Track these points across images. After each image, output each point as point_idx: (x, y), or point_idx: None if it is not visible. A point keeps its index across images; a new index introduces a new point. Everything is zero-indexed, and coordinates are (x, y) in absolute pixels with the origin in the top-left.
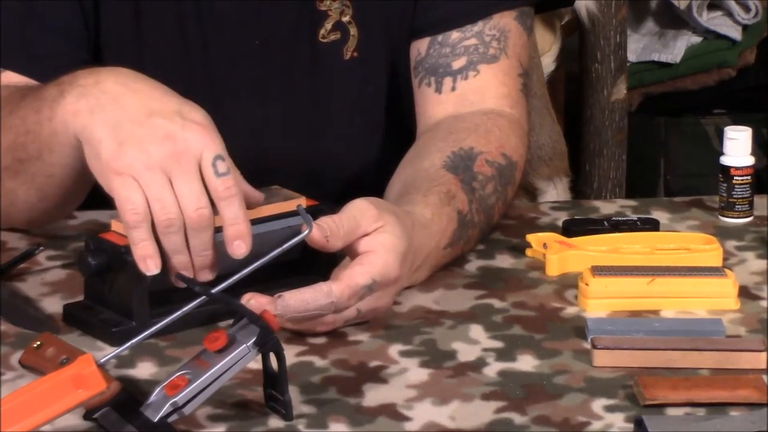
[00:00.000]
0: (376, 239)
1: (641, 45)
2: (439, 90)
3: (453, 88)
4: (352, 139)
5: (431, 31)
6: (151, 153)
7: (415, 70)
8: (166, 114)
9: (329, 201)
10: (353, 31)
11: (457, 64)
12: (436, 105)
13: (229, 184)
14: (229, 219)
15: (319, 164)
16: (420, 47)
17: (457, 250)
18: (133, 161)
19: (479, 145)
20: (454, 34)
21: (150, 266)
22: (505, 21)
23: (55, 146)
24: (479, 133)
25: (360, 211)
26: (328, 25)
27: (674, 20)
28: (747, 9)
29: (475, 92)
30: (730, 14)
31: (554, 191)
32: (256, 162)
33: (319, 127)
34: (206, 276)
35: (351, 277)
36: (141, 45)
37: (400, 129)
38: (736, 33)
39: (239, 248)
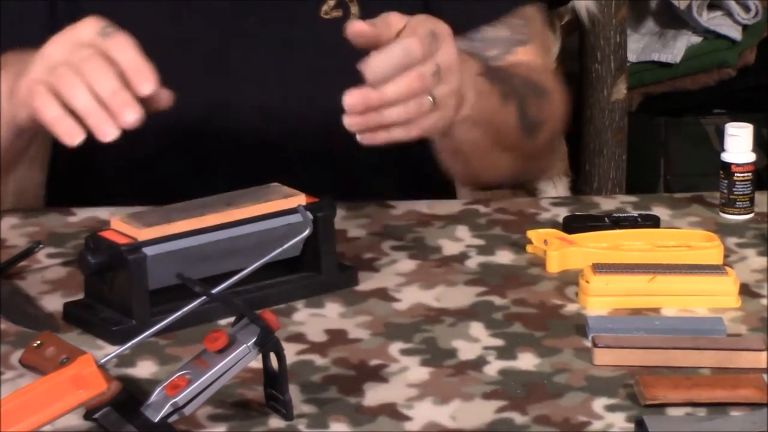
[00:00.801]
0: (415, 18)
1: (641, 45)
2: None
3: None
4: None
5: (463, 31)
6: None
7: None
8: None
9: (329, 196)
10: (354, 9)
11: (492, 52)
12: None
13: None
14: (125, 61)
15: (318, 140)
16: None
17: (495, 93)
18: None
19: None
20: (486, 29)
21: (74, 137)
22: (528, 10)
23: None
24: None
25: (384, 15)
26: (331, 2)
27: (674, 20)
28: (747, 9)
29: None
30: (730, 14)
31: (554, 191)
32: (258, 139)
33: (317, 103)
34: (130, 116)
35: (413, 29)
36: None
37: None
38: (736, 33)
39: (146, 88)
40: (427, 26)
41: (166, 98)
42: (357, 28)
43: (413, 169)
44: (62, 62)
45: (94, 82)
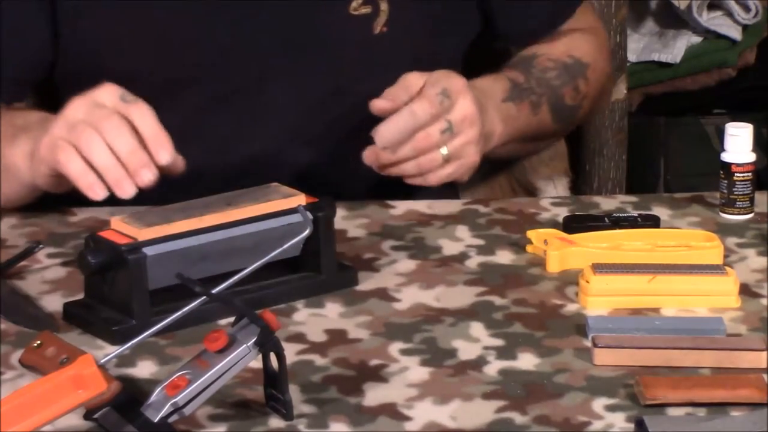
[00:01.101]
0: (433, 76)
1: (641, 45)
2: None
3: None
4: (373, 115)
5: (522, 42)
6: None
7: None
8: None
9: (329, 197)
10: (384, 6)
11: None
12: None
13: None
14: (144, 127)
15: (340, 134)
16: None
17: (524, 110)
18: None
19: (541, 50)
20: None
21: (98, 192)
22: None
23: (4, 178)
24: (543, 43)
25: (403, 78)
26: None
27: (674, 20)
28: (747, 9)
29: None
30: (730, 14)
31: (554, 191)
32: (279, 129)
33: (342, 99)
34: (147, 176)
35: (424, 91)
36: (151, 25)
37: None
38: (736, 33)
39: (163, 157)
40: (440, 85)
41: (180, 164)
42: (378, 107)
43: None
44: (82, 120)
45: (112, 141)
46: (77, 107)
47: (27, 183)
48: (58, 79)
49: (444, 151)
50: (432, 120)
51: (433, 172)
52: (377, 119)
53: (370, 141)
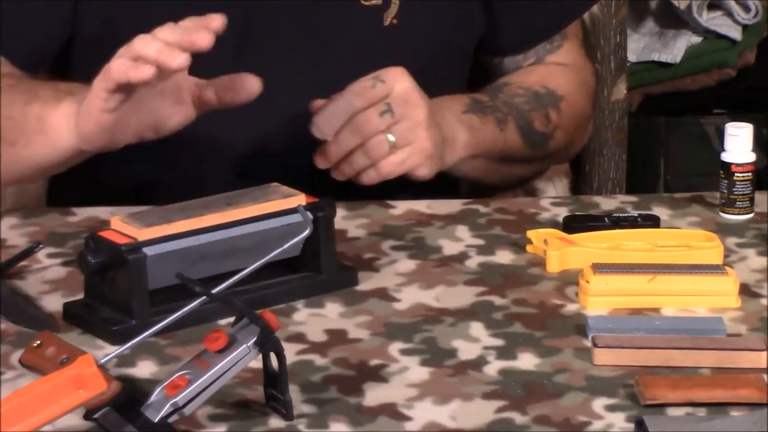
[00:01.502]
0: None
1: (641, 45)
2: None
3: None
4: None
5: (516, 51)
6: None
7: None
8: None
9: (329, 196)
10: None
11: (528, 62)
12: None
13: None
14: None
15: None
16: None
17: (489, 124)
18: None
19: (513, 79)
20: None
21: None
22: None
23: (34, 143)
24: (518, 74)
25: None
26: None
27: (674, 20)
28: (747, 9)
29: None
30: (730, 14)
31: (554, 191)
32: (289, 120)
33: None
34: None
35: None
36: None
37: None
38: (736, 33)
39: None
40: (374, 74)
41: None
42: (316, 105)
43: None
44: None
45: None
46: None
47: (61, 146)
48: (74, 57)
49: (391, 137)
50: (366, 102)
51: (386, 159)
52: None
53: None
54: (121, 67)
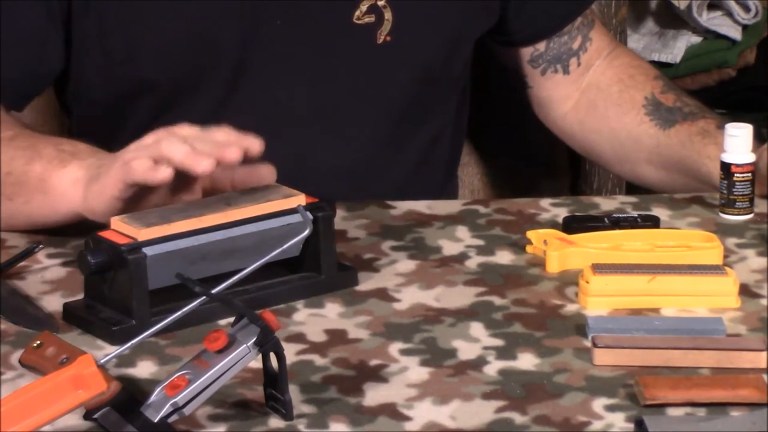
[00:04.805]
0: None
1: (641, 45)
2: (566, 71)
3: (579, 64)
4: (376, 123)
5: (550, 34)
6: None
7: (534, 62)
8: None
9: (329, 198)
10: (388, 15)
11: (576, 43)
12: (569, 85)
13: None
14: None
15: (341, 144)
16: (538, 46)
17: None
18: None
19: (645, 90)
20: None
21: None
22: None
23: (34, 201)
24: (629, 84)
25: None
26: (363, 7)
27: (674, 20)
28: (747, 9)
29: (595, 53)
30: (730, 14)
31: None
32: (283, 139)
33: (344, 108)
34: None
35: None
36: (158, 29)
37: (425, 116)
38: (736, 33)
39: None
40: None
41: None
42: None
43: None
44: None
45: (189, 141)
46: (147, 138)
47: (63, 210)
48: (72, 86)
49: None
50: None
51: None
52: (380, 127)
53: (374, 149)
54: (140, 167)
